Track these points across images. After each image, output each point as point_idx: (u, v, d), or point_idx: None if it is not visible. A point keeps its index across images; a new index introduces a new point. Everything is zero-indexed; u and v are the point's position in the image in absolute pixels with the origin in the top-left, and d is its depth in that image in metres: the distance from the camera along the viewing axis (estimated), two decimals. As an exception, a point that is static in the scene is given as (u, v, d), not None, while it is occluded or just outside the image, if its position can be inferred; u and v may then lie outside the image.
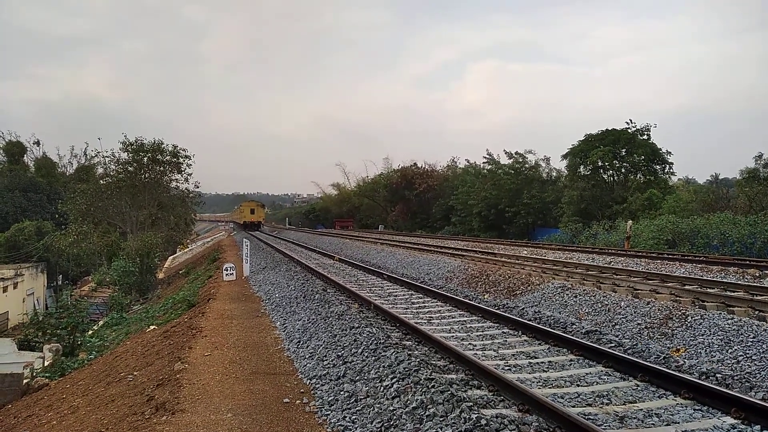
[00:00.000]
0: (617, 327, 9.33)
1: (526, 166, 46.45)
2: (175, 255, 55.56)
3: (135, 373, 8.76)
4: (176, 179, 52.10)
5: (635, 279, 12.55)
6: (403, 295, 12.80)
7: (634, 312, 9.65)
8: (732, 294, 10.12)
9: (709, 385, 5.50)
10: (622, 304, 10.18)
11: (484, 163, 50.74)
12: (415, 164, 67.04)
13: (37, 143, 73.35)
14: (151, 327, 14.25)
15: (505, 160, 47.86)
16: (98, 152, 62.21)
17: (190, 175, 51.57)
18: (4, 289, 36.79)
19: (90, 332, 22.87)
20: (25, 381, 13.18)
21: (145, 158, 48.69)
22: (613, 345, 7.53)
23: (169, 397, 6.30)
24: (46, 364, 17.35)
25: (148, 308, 23.38)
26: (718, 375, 6.09)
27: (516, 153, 46.86)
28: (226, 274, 17.87)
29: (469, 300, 11.39)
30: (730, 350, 7.35)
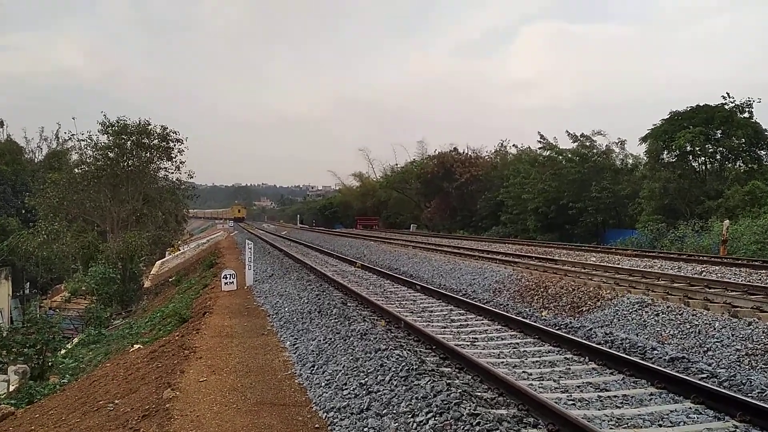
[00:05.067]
0: (710, 353, 9.19)
1: (595, 151, 45.80)
2: (164, 259, 56.57)
3: (116, 401, 8.95)
4: (165, 168, 53.15)
5: (733, 293, 12.31)
6: (441, 310, 12.81)
7: (732, 335, 9.48)
8: None
9: (829, 428, 5.37)
10: (717, 324, 10.01)
11: (540, 148, 50.25)
12: (455, 149, 66.69)
13: (0, 124, 75.03)
14: (136, 346, 14.54)
15: (568, 144, 47.31)
16: (72, 135, 63.63)
17: (182, 163, 52.57)
18: (-37, 299, 37.94)
19: (63, 351, 23.43)
20: (-13, 408, 13.59)
21: (129, 142, 49.61)
22: (705, 376, 7.41)
23: (156, 430, 6.42)
24: (12, 388, 17.86)
25: (132, 323, 23.88)
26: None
27: (582, 135, 46.20)
28: (226, 283, 18.11)
29: (523, 318, 11.33)
30: None
